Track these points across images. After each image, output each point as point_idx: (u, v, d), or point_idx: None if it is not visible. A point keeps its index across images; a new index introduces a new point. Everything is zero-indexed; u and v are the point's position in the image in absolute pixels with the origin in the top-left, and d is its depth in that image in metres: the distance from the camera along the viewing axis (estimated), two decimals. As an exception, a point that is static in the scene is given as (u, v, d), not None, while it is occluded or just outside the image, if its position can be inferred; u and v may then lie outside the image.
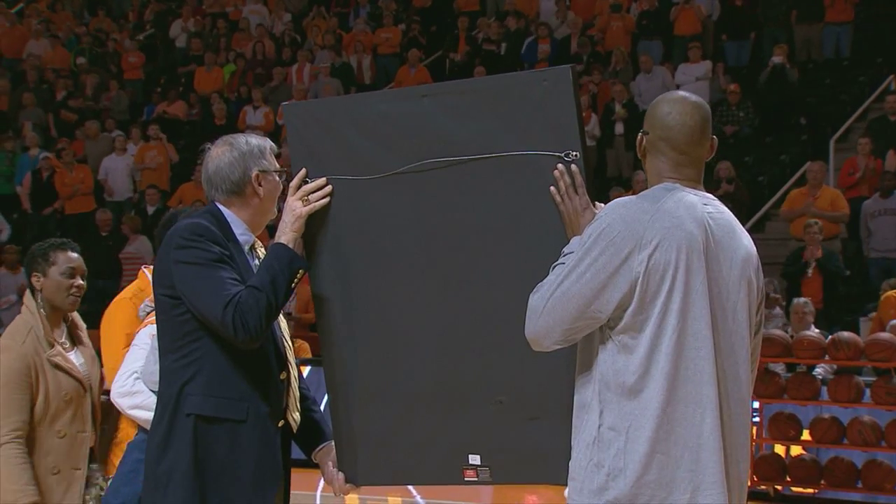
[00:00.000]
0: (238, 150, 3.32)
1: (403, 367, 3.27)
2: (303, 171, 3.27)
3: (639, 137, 3.04)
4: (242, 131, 14.88)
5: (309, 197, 3.24)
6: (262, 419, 3.19)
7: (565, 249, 2.96)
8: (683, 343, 2.80)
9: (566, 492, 2.97)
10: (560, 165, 3.02)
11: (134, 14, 19.78)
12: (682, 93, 3.12)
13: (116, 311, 4.44)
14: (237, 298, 3.07)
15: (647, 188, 2.97)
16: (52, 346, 3.93)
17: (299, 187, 3.25)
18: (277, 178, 3.35)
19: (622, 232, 2.78)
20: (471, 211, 3.16)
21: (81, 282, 4.10)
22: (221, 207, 3.29)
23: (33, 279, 4.07)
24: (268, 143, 3.39)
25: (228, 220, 3.27)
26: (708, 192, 3.02)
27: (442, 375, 3.23)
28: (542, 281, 2.93)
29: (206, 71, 17.09)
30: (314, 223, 3.26)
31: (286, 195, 3.27)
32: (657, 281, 2.77)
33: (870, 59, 14.40)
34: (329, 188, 3.25)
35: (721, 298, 2.86)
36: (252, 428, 3.17)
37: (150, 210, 14.15)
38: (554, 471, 3.12)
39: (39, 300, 4.04)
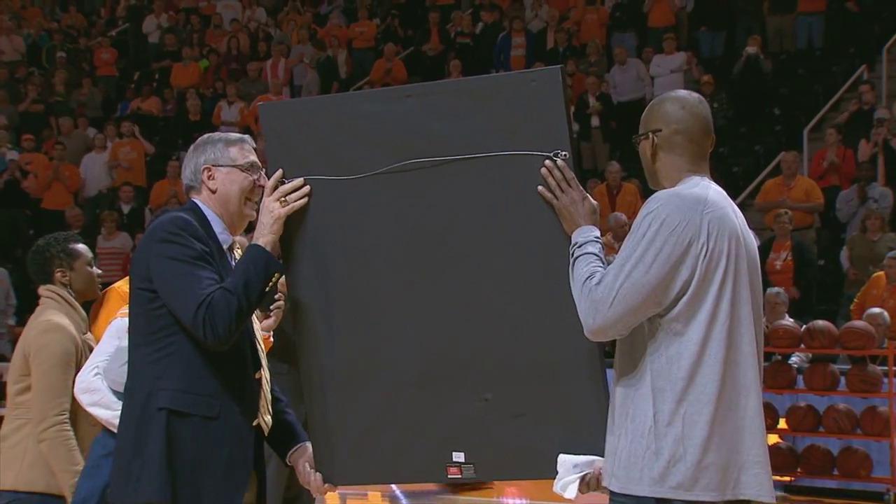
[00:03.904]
0: (193, 147, 3.30)
1: (385, 366, 3.21)
2: (279, 171, 3.20)
3: (647, 140, 3.06)
4: (217, 127, 15.00)
5: (287, 198, 3.18)
6: (234, 417, 3.13)
7: (577, 239, 2.99)
8: (734, 328, 2.90)
9: (558, 486, 3.03)
10: (547, 162, 3.03)
11: (106, 10, 19.68)
12: (681, 91, 3.20)
13: (107, 301, 4.48)
14: (209, 299, 3.02)
15: (663, 185, 3.02)
16: (84, 332, 4.12)
17: (276, 188, 3.19)
18: (242, 173, 3.25)
19: (681, 223, 2.85)
20: (455, 210, 3.12)
21: (99, 270, 4.31)
22: (200, 204, 3.25)
23: (58, 275, 4.19)
24: (235, 137, 3.32)
25: (208, 217, 3.22)
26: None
27: (425, 374, 3.18)
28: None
29: (182, 66, 17.03)
30: (292, 224, 3.19)
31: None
32: (713, 269, 2.87)
33: (842, 49, 14.48)
34: (307, 188, 3.19)
35: (752, 283, 2.98)
36: (223, 425, 3.11)
37: (126, 208, 14.12)
38: (540, 466, 3.12)
39: (69, 291, 4.20)
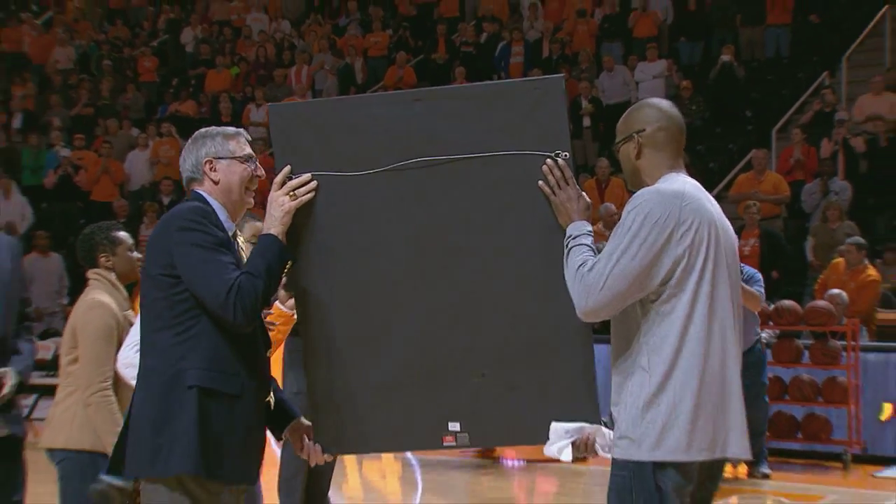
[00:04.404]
0: (192, 141, 3.18)
1: (388, 345, 3.12)
2: (287, 167, 3.09)
3: (630, 141, 3.05)
4: (246, 127, 14.98)
5: (296, 192, 3.06)
6: (253, 394, 3.04)
7: (571, 232, 2.99)
8: (716, 306, 2.92)
9: (552, 449, 3.03)
10: (549, 161, 3.02)
11: (148, 23, 19.65)
12: (653, 98, 3.23)
13: None
14: (237, 283, 2.91)
15: (646, 182, 3.02)
16: (127, 309, 4.13)
17: (283, 183, 3.07)
18: (241, 164, 3.14)
19: (663, 215, 2.86)
20: (457, 204, 3.06)
21: (139, 255, 4.27)
22: (204, 194, 3.12)
23: (102, 260, 4.22)
24: (232, 131, 3.20)
25: (213, 206, 3.09)
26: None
27: (426, 353, 3.10)
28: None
29: (215, 73, 17.02)
30: (299, 216, 3.08)
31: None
32: (695, 255, 2.89)
33: (807, 57, 14.44)
34: (314, 183, 3.08)
35: (729, 263, 2.99)
36: (246, 403, 3.01)
37: (166, 200, 14.13)
38: (530, 432, 3.11)
39: (113, 274, 4.22)
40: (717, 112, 13.88)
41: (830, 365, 8.21)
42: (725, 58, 13.81)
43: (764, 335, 8.64)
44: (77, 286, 4.48)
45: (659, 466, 2.86)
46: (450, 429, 3.12)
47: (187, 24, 18.78)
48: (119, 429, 3.74)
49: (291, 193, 3.06)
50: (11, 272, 3.99)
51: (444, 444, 3.15)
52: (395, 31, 17.15)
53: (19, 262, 4.14)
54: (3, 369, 3.88)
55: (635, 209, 2.90)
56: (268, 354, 3.19)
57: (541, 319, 3.07)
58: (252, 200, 3.20)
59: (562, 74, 3.19)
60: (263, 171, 3.22)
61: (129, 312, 4.15)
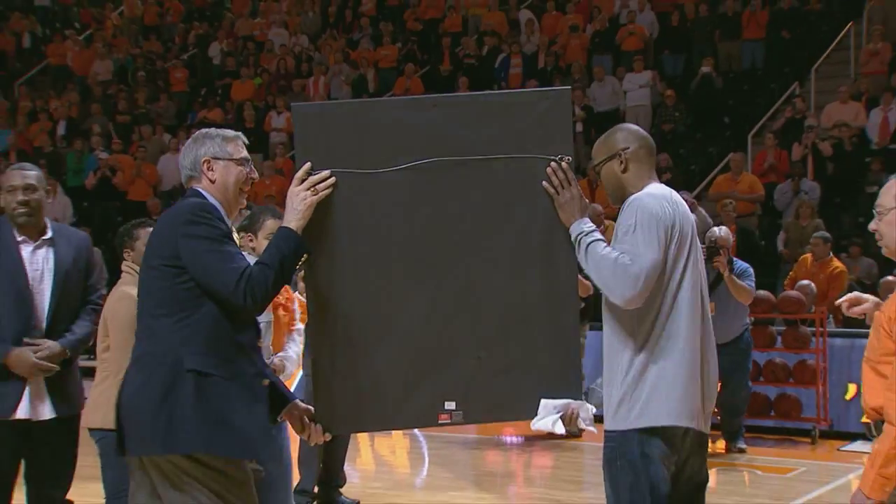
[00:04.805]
0: (193, 140, 3.08)
1: (392, 331, 3.06)
2: (307, 164, 3.00)
3: (615, 159, 3.10)
4: (268, 133, 14.98)
5: (316, 187, 2.97)
6: (250, 379, 2.94)
7: (582, 228, 3.02)
8: (694, 295, 3.00)
9: (546, 422, 3.06)
10: (553, 164, 3.05)
11: (179, 38, 19.65)
12: (624, 124, 3.39)
13: None
14: (248, 272, 2.85)
15: (630, 192, 3.09)
16: None
17: (303, 179, 2.98)
18: (237, 166, 3.04)
19: (662, 213, 2.98)
20: (466, 201, 3.05)
21: None
22: (202, 191, 3.03)
23: (125, 253, 4.20)
24: (231, 135, 3.09)
25: (212, 202, 3.00)
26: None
27: (429, 338, 3.06)
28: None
29: (240, 83, 17.01)
30: (316, 211, 3.00)
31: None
32: (680, 248, 2.99)
33: (779, 69, 14.40)
34: (333, 179, 2.99)
35: (699, 257, 3.09)
36: (242, 384, 2.91)
37: (196, 198, 14.13)
38: (521, 409, 3.11)
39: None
40: (697, 119, 13.88)
41: (801, 349, 8.22)
42: (705, 69, 13.81)
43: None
44: (114, 278, 4.45)
45: (646, 434, 2.91)
46: (445, 407, 3.09)
47: (215, 39, 18.76)
48: None
49: (312, 189, 2.97)
50: (73, 263, 4.02)
51: (440, 421, 3.11)
52: (403, 44, 17.12)
53: (86, 255, 4.13)
54: (44, 341, 3.89)
55: (639, 209, 2.97)
56: (260, 343, 3.09)
57: (534, 306, 3.09)
58: (245, 201, 3.14)
59: (568, 88, 3.22)
60: (258, 174, 3.16)
61: None
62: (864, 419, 3.02)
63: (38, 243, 4.02)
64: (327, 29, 18.45)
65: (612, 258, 2.93)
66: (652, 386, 2.94)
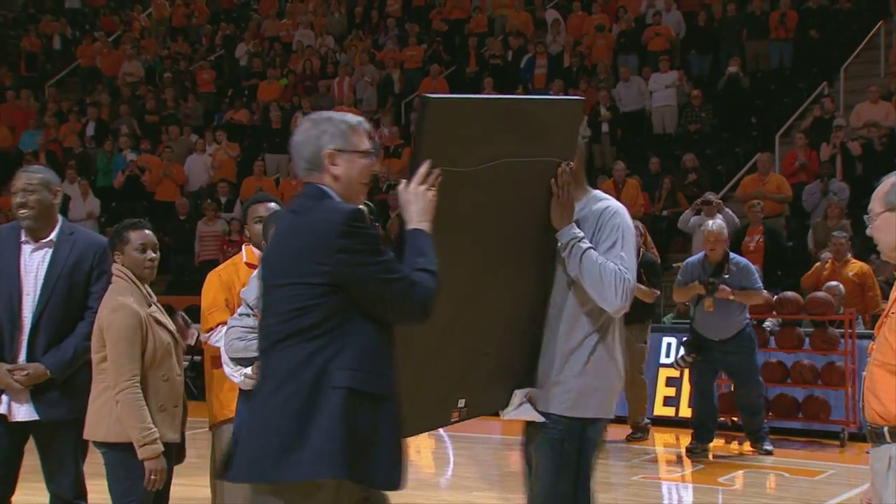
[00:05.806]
0: (313, 125, 2.73)
1: (415, 341, 2.85)
2: (428, 161, 2.71)
3: (570, 169, 3.17)
4: (293, 134, 15.04)
5: (430, 184, 2.71)
6: (395, 396, 2.66)
7: (574, 234, 3.14)
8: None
9: (520, 410, 3.24)
10: (563, 166, 3.13)
11: (206, 39, 19.77)
12: None
13: (209, 284, 4.39)
14: (417, 287, 2.58)
15: (588, 194, 3.30)
16: (149, 305, 3.85)
17: (426, 177, 2.71)
18: (362, 159, 2.71)
19: (629, 223, 3.25)
20: (523, 202, 3.10)
21: (154, 254, 3.87)
22: (327, 189, 2.69)
23: (115, 256, 3.87)
24: (354, 121, 2.75)
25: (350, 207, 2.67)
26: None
27: (448, 342, 2.97)
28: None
29: (266, 84, 17.08)
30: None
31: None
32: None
33: (807, 68, 14.29)
34: (439, 177, 2.73)
35: None
36: (391, 404, 2.64)
37: (222, 199, 14.22)
38: (502, 400, 3.24)
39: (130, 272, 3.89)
40: (724, 119, 13.78)
41: (829, 351, 8.14)
42: (732, 69, 13.71)
43: (767, 324, 8.58)
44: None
45: (591, 422, 3.19)
46: (458, 405, 3.13)
47: (241, 40, 18.84)
48: (145, 423, 3.65)
49: (431, 187, 2.71)
50: (72, 267, 4.00)
51: (452, 420, 3.14)
52: (429, 45, 17.12)
53: (93, 259, 4.05)
54: (27, 365, 3.94)
55: (612, 212, 3.20)
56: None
57: (528, 303, 3.20)
58: (363, 197, 2.82)
59: (582, 98, 3.38)
60: (379, 167, 3.05)
61: (153, 308, 3.87)
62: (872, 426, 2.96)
63: (37, 245, 4.04)
64: (353, 30, 18.49)
65: (612, 269, 3.09)
66: (602, 378, 3.25)
